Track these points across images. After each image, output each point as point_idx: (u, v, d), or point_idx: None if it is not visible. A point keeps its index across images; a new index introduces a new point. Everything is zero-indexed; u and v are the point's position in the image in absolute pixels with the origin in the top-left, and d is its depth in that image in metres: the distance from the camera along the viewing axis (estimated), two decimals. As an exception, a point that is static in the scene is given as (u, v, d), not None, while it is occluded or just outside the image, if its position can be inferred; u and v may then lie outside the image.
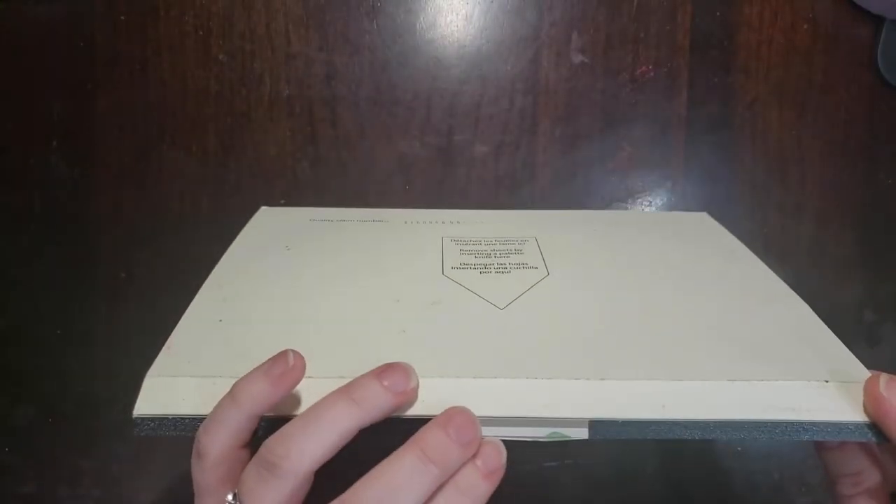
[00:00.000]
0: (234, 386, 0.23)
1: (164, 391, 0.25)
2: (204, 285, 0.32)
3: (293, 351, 0.24)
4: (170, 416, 0.25)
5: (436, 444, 0.22)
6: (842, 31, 0.44)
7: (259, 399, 0.23)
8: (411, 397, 0.24)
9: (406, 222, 0.40)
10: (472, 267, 0.34)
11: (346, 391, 0.22)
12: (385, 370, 0.23)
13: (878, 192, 0.45)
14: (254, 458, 0.22)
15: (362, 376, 0.23)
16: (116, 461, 0.46)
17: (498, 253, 0.35)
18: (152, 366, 0.26)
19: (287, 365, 0.23)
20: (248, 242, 0.37)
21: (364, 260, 0.34)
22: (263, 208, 0.41)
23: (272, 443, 0.22)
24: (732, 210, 0.45)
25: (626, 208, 0.46)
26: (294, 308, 0.30)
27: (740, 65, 0.45)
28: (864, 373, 0.25)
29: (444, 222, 0.40)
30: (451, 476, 0.22)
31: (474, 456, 0.23)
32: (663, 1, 0.44)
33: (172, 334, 0.28)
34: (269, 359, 0.23)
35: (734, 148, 0.45)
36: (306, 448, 0.21)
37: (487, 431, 0.24)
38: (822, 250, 0.45)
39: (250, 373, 0.23)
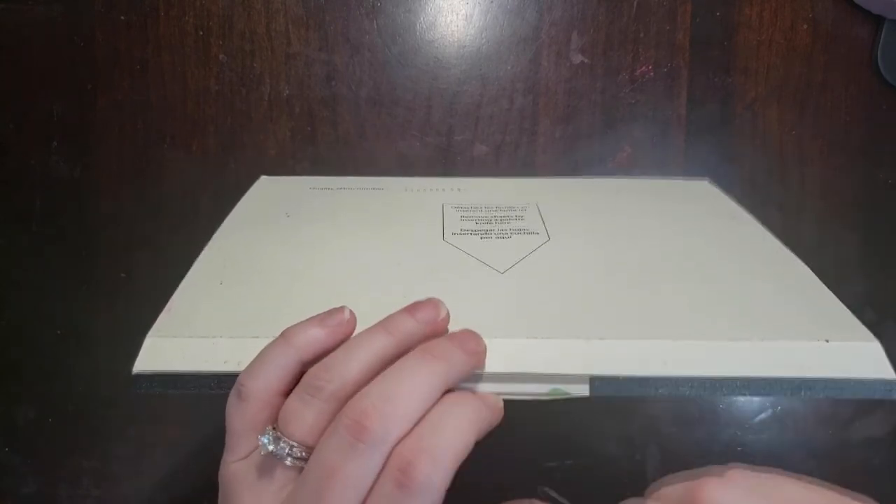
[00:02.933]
0: (286, 332, 0.24)
1: (164, 350, 0.25)
2: (204, 250, 0.32)
3: (349, 308, 0.25)
4: (169, 373, 0.25)
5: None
6: (842, 31, 0.44)
7: (313, 343, 0.24)
8: (441, 328, 0.25)
9: (406, 190, 0.40)
10: (473, 233, 0.34)
11: (381, 325, 0.24)
12: (415, 305, 0.24)
13: (878, 192, 0.45)
14: (296, 389, 0.23)
15: (395, 312, 0.24)
16: (116, 461, 0.46)
17: (498, 219, 0.35)
18: (153, 327, 0.26)
19: (343, 318, 0.24)
20: (247, 209, 0.37)
21: (364, 226, 0.34)
22: (263, 177, 0.41)
23: (316, 370, 0.23)
24: (732, 210, 0.45)
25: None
26: (294, 272, 0.30)
27: (740, 65, 0.45)
28: (866, 333, 0.25)
29: (444, 189, 0.40)
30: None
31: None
32: (663, 1, 0.44)
33: (173, 297, 0.28)
34: (324, 312, 0.25)
35: (734, 148, 0.45)
36: (348, 372, 0.22)
37: (488, 388, 0.24)
38: (822, 250, 0.45)
39: (303, 322, 0.24)
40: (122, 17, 0.44)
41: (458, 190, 0.40)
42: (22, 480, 0.46)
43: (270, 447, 0.22)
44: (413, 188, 0.40)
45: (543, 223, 0.35)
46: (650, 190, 0.40)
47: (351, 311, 0.25)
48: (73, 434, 0.46)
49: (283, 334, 0.24)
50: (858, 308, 0.45)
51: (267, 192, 0.40)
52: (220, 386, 0.25)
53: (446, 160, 0.45)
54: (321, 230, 0.34)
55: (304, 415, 0.22)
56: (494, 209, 0.37)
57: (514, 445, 0.46)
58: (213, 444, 0.47)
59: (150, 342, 0.25)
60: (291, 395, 0.23)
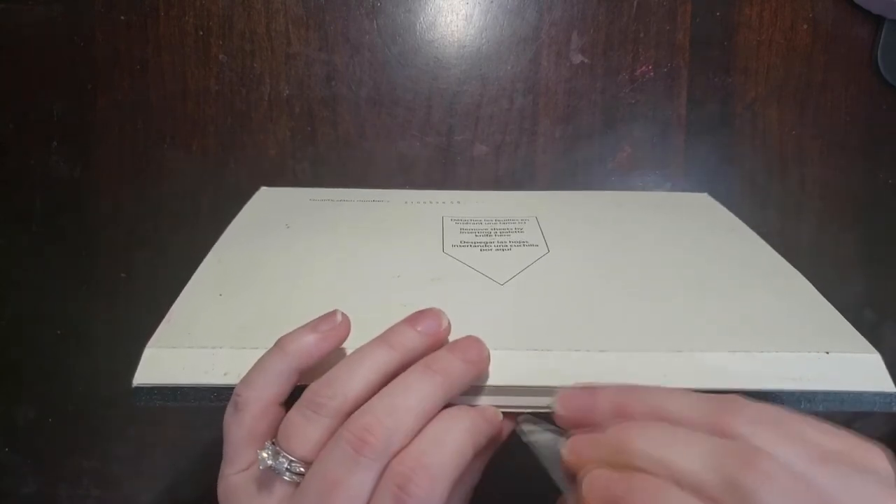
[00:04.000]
0: (281, 340, 0.24)
1: (164, 362, 0.25)
2: (204, 261, 0.32)
3: (341, 311, 0.25)
4: (169, 386, 0.25)
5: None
6: (842, 31, 0.44)
7: (308, 350, 0.24)
8: (442, 338, 0.25)
9: (406, 202, 0.40)
10: (473, 245, 0.34)
11: (383, 338, 0.24)
12: (416, 316, 0.24)
13: (878, 192, 0.45)
14: (297, 404, 0.23)
15: (397, 324, 0.24)
16: (116, 461, 0.46)
17: (498, 231, 0.35)
18: (152, 337, 0.26)
19: (335, 322, 0.24)
20: (247, 220, 0.37)
21: (364, 238, 0.34)
22: (263, 188, 0.42)
23: (317, 386, 0.23)
24: (732, 210, 0.45)
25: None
26: (294, 283, 0.30)
27: (740, 65, 0.45)
28: (866, 345, 0.25)
29: (444, 202, 0.40)
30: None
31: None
32: (663, 1, 0.44)
33: (172, 307, 0.28)
34: (317, 317, 0.25)
35: (734, 148, 0.45)
36: (350, 389, 0.22)
37: (488, 401, 0.25)
38: (822, 250, 0.45)
39: (297, 329, 0.24)
40: (122, 17, 0.44)
41: (458, 203, 0.40)
42: (22, 480, 0.46)
43: (270, 462, 0.22)
44: (413, 200, 0.40)
45: (543, 235, 0.35)
46: (650, 203, 0.41)
47: (343, 315, 0.25)
48: (73, 434, 0.46)
49: (277, 343, 0.24)
50: (858, 309, 0.45)
51: (267, 203, 0.40)
52: (219, 398, 0.25)
53: (446, 160, 0.45)
54: (321, 242, 0.34)
55: (305, 431, 0.22)
56: (494, 221, 0.37)
57: (514, 445, 0.46)
58: (213, 445, 0.47)
59: (149, 353, 0.25)
60: (293, 410, 0.23)
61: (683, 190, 0.45)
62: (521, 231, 0.35)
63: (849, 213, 0.45)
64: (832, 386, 0.24)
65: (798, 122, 0.45)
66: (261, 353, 0.24)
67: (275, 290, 0.29)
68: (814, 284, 0.30)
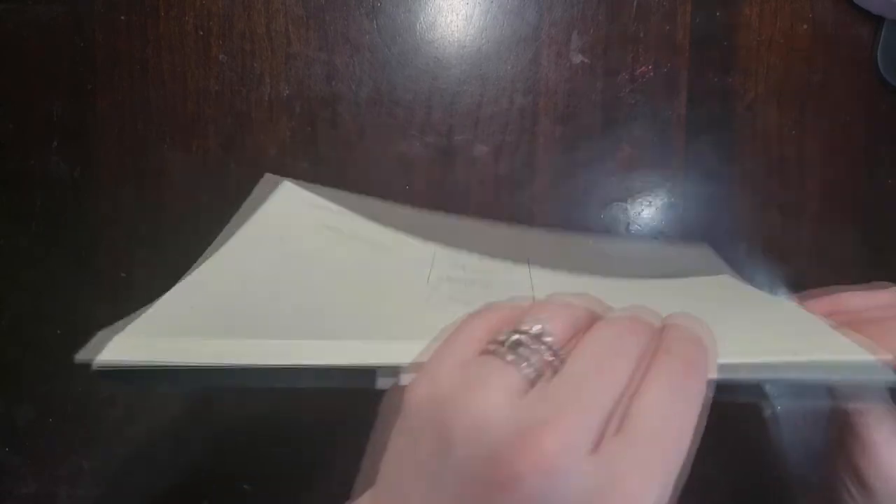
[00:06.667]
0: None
1: (129, 347, 0.26)
2: (203, 260, 0.32)
3: None
4: (135, 366, 0.25)
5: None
6: (842, 31, 0.44)
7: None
8: None
9: (406, 258, 0.38)
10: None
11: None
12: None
13: (878, 192, 0.45)
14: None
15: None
16: (116, 461, 0.46)
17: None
18: (120, 329, 0.26)
19: None
20: (249, 231, 0.36)
21: (354, 291, 0.33)
22: (268, 175, 0.41)
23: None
24: (732, 210, 0.45)
25: (626, 208, 0.46)
26: (285, 307, 0.30)
27: (740, 65, 0.45)
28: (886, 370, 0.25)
29: (446, 265, 0.38)
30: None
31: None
32: (663, 1, 0.44)
33: (147, 308, 0.28)
34: None
35: (734, 148, 0.45)
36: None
37: None
38: (822, 250, 0.45)
39: None
40: (122, 17, 0.44)
41: (462, 269, 0.37)
42: (22, 480, 0.46)
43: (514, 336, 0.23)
44: (415, 257, 0.38)
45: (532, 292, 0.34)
46: (644, 257, 0.40)
47: None
48: (73, 434, 0.46)
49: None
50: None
51: (279, 212, 0.38)
52: (197, 380, 0.25)
53: (446, 160, 0.45)
54: (315, 278, 0.33)
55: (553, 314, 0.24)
56: (487, 278, 0.36)
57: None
58: (214, 444, 0.48)
59: (113, 339, 0.26)
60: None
61: (683, 191, 0.45)
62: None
63: (849, 213, 0.45)
64: (845, 356, 0.25)
65: (798, 122, 0.45)
66: (246, 341, 0.24)
67: (261, 314, 0.29)
68: (814, 284, 0.30)
